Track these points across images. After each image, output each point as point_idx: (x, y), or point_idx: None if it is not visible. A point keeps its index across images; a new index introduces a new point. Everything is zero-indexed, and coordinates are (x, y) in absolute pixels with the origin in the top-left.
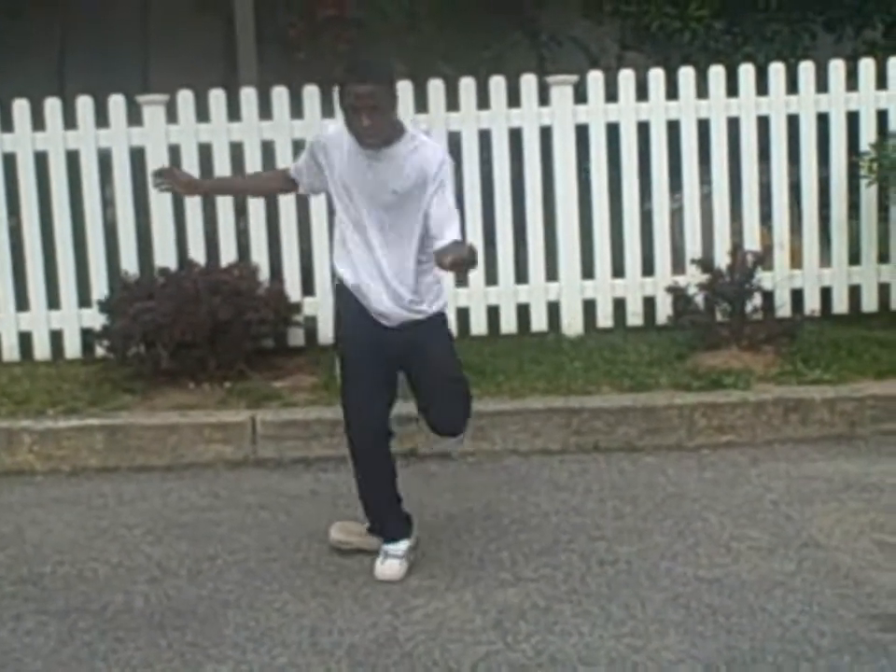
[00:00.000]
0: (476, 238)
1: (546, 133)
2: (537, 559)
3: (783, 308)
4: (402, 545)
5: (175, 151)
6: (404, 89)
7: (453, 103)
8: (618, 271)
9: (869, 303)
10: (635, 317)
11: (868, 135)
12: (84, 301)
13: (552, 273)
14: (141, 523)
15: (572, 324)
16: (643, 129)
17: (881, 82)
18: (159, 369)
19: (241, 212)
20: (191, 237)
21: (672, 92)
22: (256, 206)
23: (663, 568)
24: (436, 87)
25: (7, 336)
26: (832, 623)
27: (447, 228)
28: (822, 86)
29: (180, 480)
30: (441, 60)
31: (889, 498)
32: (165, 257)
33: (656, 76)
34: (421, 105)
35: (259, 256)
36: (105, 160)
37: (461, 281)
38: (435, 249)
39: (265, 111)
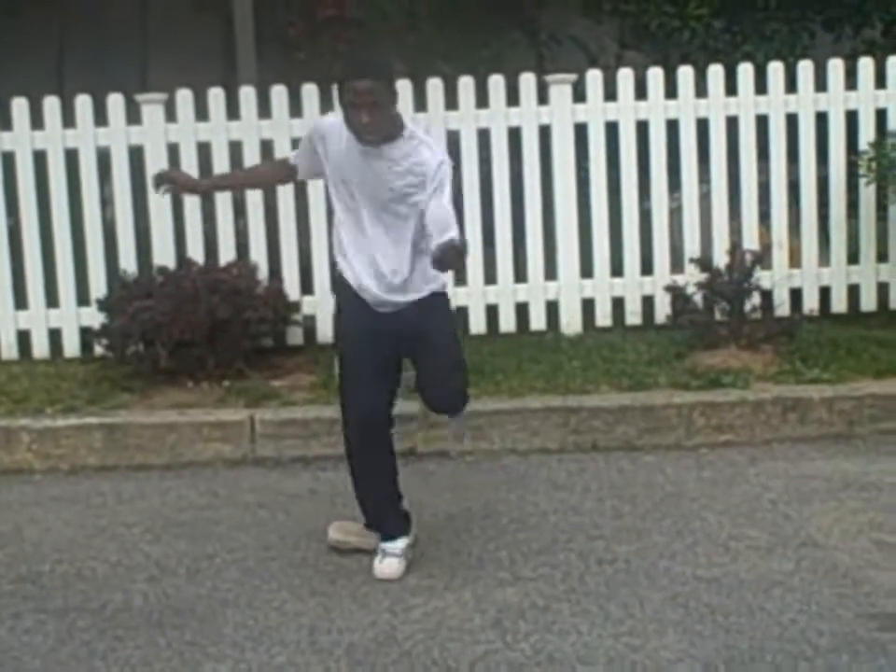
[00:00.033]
0: (475, 237)
1: (545, 132)
2: (535, 558)
3: (782, 307)
4: (400, 543)
5: (173, 150)
6: (403, 88)
7: (452, 102)
8: (617, 270)
9: (868, 303)
10: (633, 316)
11: (867, 134)
12: (83, 299)
13: (550, 273)
14: (140, 521)
15: (571, 323)
16: (642, 128)
17: (880, 81)
18: (157, 367)
19: (240, 211)
20: (190, 236)
21: (671, 91)
22: (254, 205)
23: (661, 568)
24: (435, 86)
25: (5, 334)
26: (830, 622)
27: (444, 228)
28: (821, 85)
29: (179, 478)
30: (440, 59)
31: (888, 498)
32: (164, 255)
33: (655, 74)
34: (420, 103)
35: (258, 254)
36: (103, 158)
37: (460, 280)
38: (431, 249)
39: (264, 110)
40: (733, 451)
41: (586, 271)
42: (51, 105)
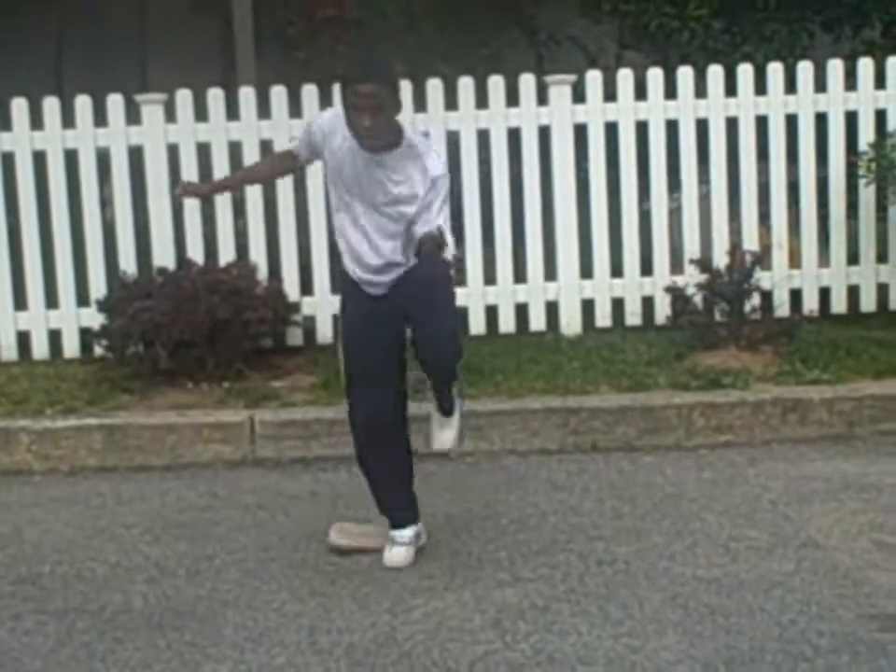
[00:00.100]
0: (475, 237)
1: (544, 133)
2: (535, 559)
3: (782, 308)
4: (409, 531)
5: (173, 150)
6: (403, 88)
7: (451, 102)
8: (616, 270)
9: (867, 303)
10: (633, 317)
11: (867, 135)
12: (83, 300)
13: (550, 273)
14: (139, 522)
15: (571, 324)
16: (642, 128)
17: (880, 82)
18: (157, 368)
19: (239, 211)
20: (190, 236)
21: (671, 92)
22: (254, 205)
23: (661, 568)
24: (434, 86)
25: (5, 335)
26: (830, 622)
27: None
28: (821, 85)
29: (179, 479)
30: (439, 59)
31: (888, 498)
32: (164, 256)
33: (655, 75)
34: (420, 104)
35: (258, 255)
36: (103, 159)
37: (459, 280)
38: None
39: (264, 110)
40: (732, 452)
41: (586, 271)
42: (51, 105)
